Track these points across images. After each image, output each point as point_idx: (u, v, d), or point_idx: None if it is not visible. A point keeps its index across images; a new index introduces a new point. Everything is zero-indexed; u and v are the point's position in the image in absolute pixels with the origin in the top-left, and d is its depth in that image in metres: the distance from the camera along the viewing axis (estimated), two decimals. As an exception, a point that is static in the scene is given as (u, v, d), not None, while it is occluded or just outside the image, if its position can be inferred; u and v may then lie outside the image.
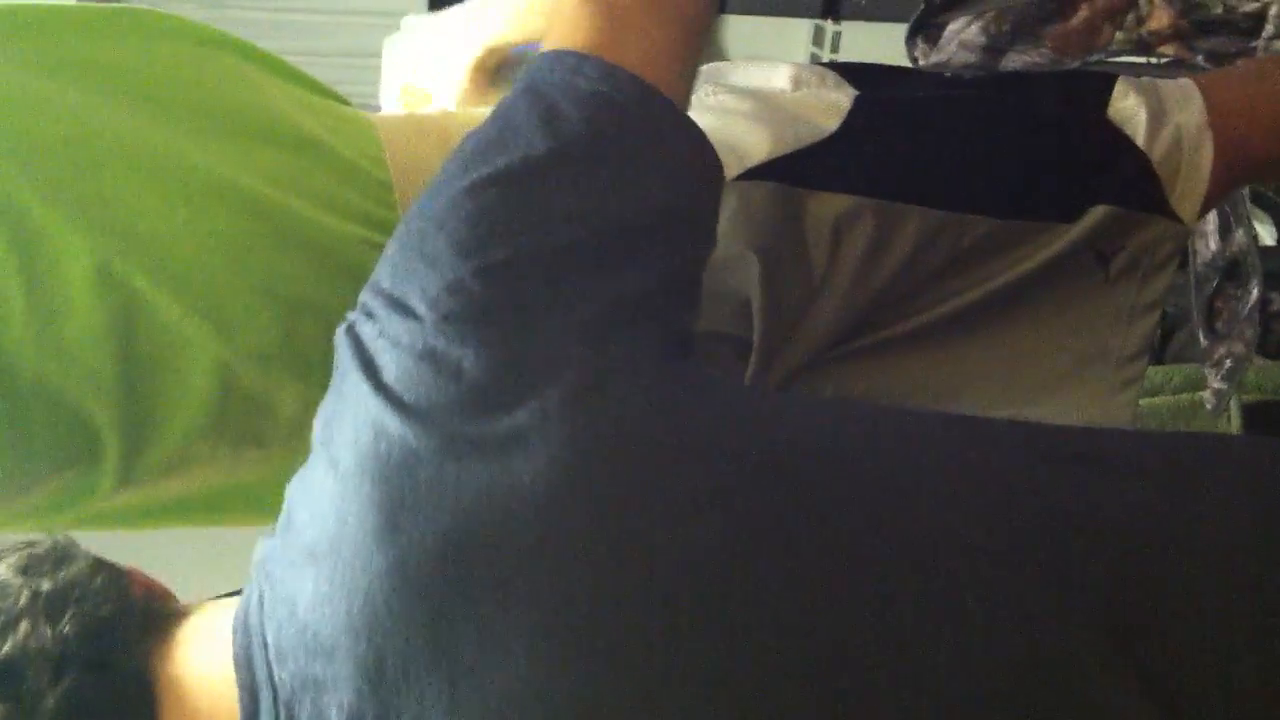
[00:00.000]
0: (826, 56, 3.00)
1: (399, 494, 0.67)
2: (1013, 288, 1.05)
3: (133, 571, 0.81)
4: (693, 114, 1.04)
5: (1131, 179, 1.06)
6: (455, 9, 1.17)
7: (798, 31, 3.13)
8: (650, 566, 0.66)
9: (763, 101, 1.06)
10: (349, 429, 0.70)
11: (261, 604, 0.71)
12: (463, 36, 1.13)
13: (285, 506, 0.73)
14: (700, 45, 0.85)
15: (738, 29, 3.18)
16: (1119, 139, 1.07)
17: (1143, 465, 0.76)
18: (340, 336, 0.75)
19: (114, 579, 0.77)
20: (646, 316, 0.74)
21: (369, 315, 0.74)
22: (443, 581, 0.66)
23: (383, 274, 0.76)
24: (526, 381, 0.69)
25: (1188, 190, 1.08)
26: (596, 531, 0.67)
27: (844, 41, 3.00)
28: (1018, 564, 0.69)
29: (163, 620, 0.77)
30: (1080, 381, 1.07)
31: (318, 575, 0.68)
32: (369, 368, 0.71)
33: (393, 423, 0.68)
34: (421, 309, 0.71)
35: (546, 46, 0.81)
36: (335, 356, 0.75)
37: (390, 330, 0.72)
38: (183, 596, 0.84)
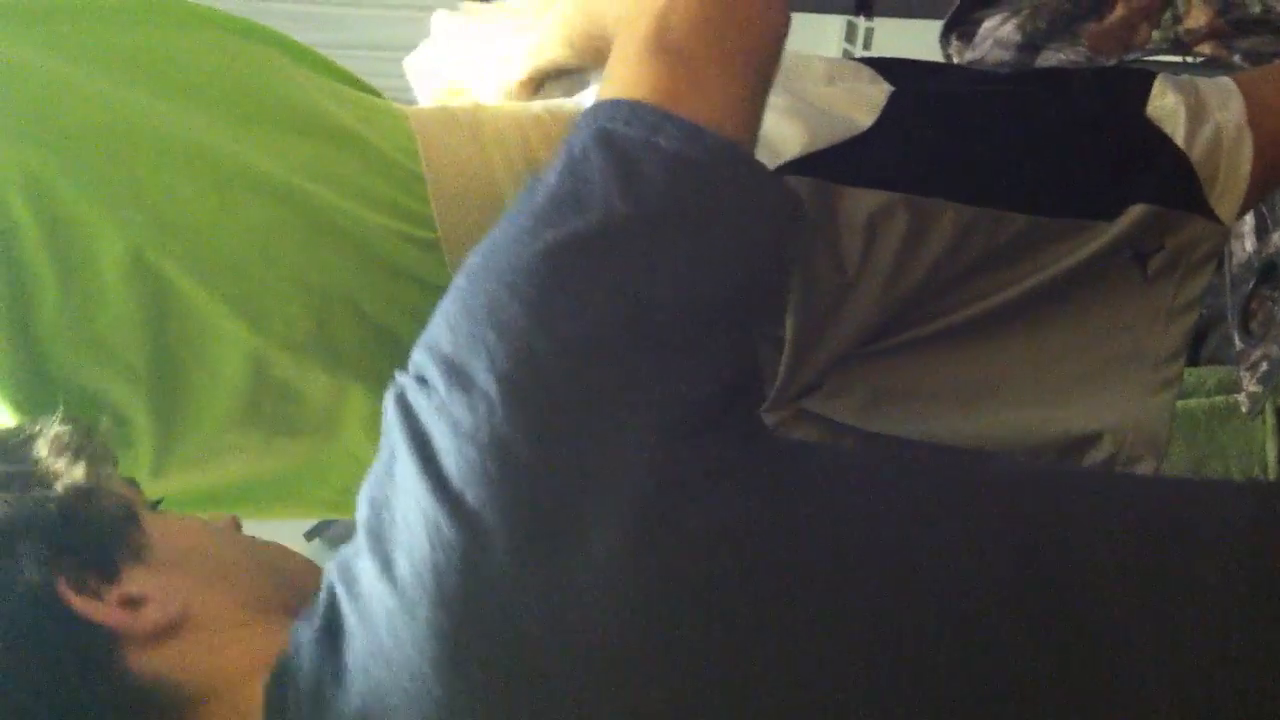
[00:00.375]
0: (859, 53, 2.99)
1: (460, 622, 0.62)
2: (1048, 287, 1.04)
3: (107, 616, 0.69)
4: None
5: (1170, 178, 1.05)
6: (499, 13, 1.14)
7: (830, 28, 3.12)
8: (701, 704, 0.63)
9: (797, 96, 1.05)
10: (402, 526, 0.64)
11: (300, 707, 0.66)
12: (509, 48, 1.11)
13: (327, 593, 0.68)
14: (769, 88, 0.80)
15: (770, 25, 3.17)
16: (1158, 137, 1.06)
17: (1148, 505, 0.75)
18: (389, 404, 0.69)
19: (107, 669, 0.68)
20: (724, 406, 0.69)
21: (423, 383, 0.68)
22: (502, 715, 0.62)
23: (441, 336, 0.69)
24: (597, 485, 0.63)
25: (1227, 189, 1.07)
26: (661, 679, 0.63)
27: (876, 38, 2.98)
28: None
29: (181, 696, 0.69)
30: (1116, 382, 1.06)
31: (367, 692, 0.63)
32: (424, 451, 0.65)
33: (452, 531, 0.63)
34: (489, 384, 0.65)
35: (611, 90, 0.76)
36: (384, 425, 0.69)
37: (451, 409, 0.65)
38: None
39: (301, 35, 1.03)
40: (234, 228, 0.87)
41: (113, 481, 0.75)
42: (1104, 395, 1.06)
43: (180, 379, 0.87)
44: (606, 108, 0.75)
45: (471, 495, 0.63)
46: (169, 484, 0.91)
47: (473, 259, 0.73)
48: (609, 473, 0.63)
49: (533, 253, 0.69)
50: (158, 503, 0.82)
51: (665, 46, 0.75)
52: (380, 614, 0.63)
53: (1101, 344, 1.06)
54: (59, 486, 0.72)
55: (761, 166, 0.77)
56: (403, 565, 0.63)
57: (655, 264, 0.69)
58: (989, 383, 1.05)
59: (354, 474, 0.98)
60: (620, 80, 0.76)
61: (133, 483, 0.80)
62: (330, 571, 0.69)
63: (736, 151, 0.74)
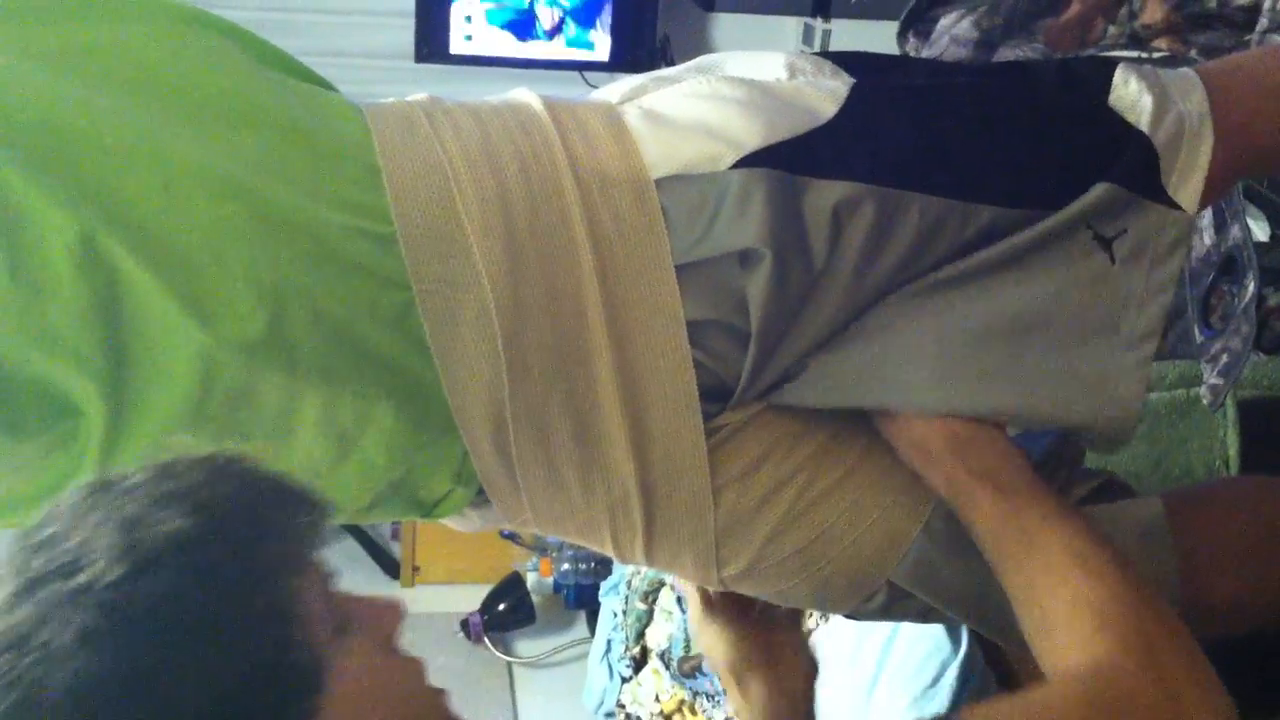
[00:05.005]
0: (816, 54, 2.98)
1: None
2: (1008, 263, 1.02)
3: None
4: (686, 101, 1.02)
5: (1133, 162, 1.04)
6: None
7: (787, 30, 3.12)
8: None
9: (758, 89, 1.03)
10: None
11: None
12: None
13: None
14: None
15: (727, 27, 3.18)
16: (1120, 126, 1.06)
17: None
18: None
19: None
20: None
21: None
22: None
23: None
24: None
25: (1185, 177, 1.06)
26: None
27: (833, 40, 2.99)
28: None
29: None
30: (1091, 354, 1.04)
31: None
32: None
33: None
34: None
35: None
36: None
37: None
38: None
39: (272, 41, 1.01)
40: (181, 224, 0.85)
41: (314, 598, 0.67)
42: (1078, 378, 1.04)
43: (132, 373, 0.85)
44: None
45: None
46: None
47: None
48: None
49: None
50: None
51: None
52: None
53: (1075, 325, 1.05)
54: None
55: None
56: None
57: None
58: (958, 370, 1.03)
59: (308, 470, 0.96)
60: None
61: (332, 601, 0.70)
62: None
63: None
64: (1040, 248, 1.02)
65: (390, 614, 0.73)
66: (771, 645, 1.21)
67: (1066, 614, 0.86)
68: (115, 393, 0.84)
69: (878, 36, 2.56)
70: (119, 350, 0.84)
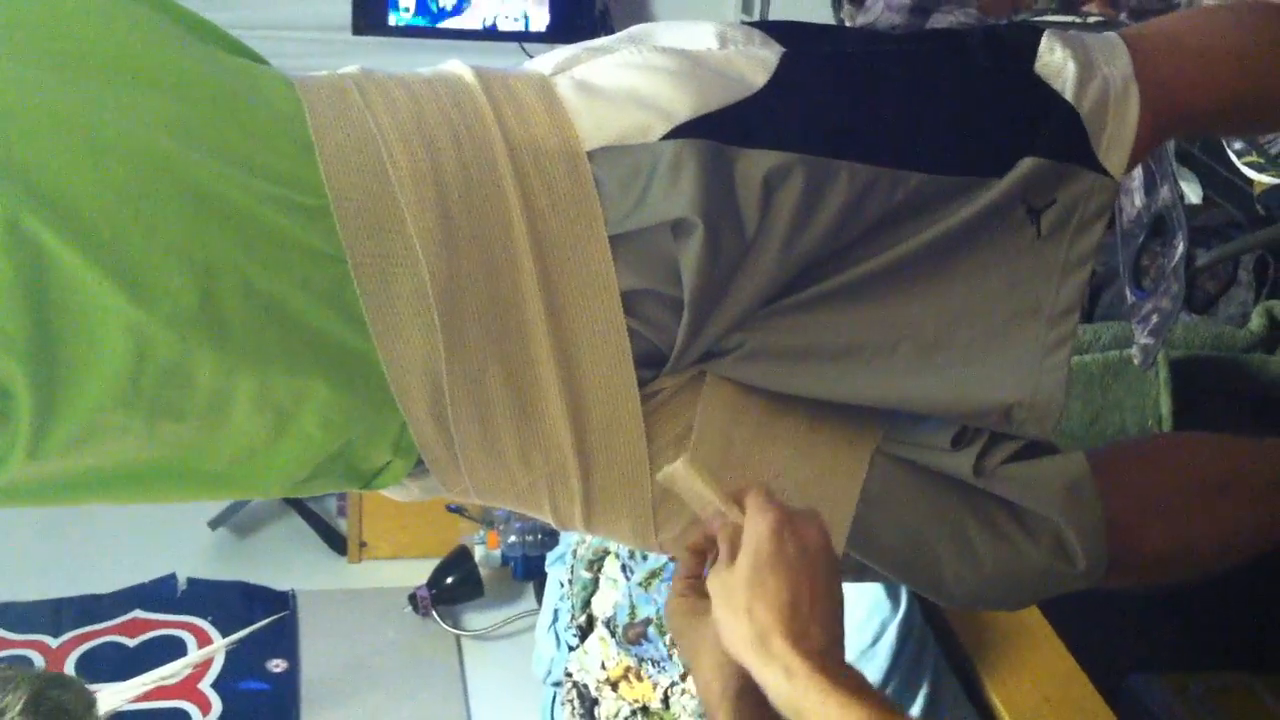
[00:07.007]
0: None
1: None
2: (945, 241, 1.04)
3: None
4: (618, 72, 1.03)
5: (1059, 132, 1.06)
6: None
7: (725, -3, 3.12)
8: None
9: (689, 59, 1.04)
10: None
11: None
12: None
13: None
14: None
15: (666, -6, 3.17)
16: (1046, 93, 1.07)
17: None
18: None
19: None
20: None
21: None
22: None
23: None
24: None
25: (1114, 142, 1.08)
26: None
27: (772, 5, 2.99)
28: None
29: None
30: (1013, 340, 1.07)
31: None
32: None
33: None
34: None
35: None
36: None
37: None
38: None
39: (209, 15, 1.00)
40: (110, 197, 0.85)
41: None
42: (1001, 353, 1.06)
43: (61, 352, 0.84)
44: None
45: None
46: (46, 467, 0.88)
47: None
48: None
49: None
50: None
51: None
52: None
53: (999, 300, 1.07)
54: None
55: None
56: None
57: None
58: (890, 340, 1.05)
59: (244, 447, 0.96)
60: None
61: None
62: None
63: None
64: (975, 230, 1.04)
65: None
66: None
67: None
68: (43, 372, 0.84)
69: (815, 3, 2.57)
70: (47, 329, 0.83)
